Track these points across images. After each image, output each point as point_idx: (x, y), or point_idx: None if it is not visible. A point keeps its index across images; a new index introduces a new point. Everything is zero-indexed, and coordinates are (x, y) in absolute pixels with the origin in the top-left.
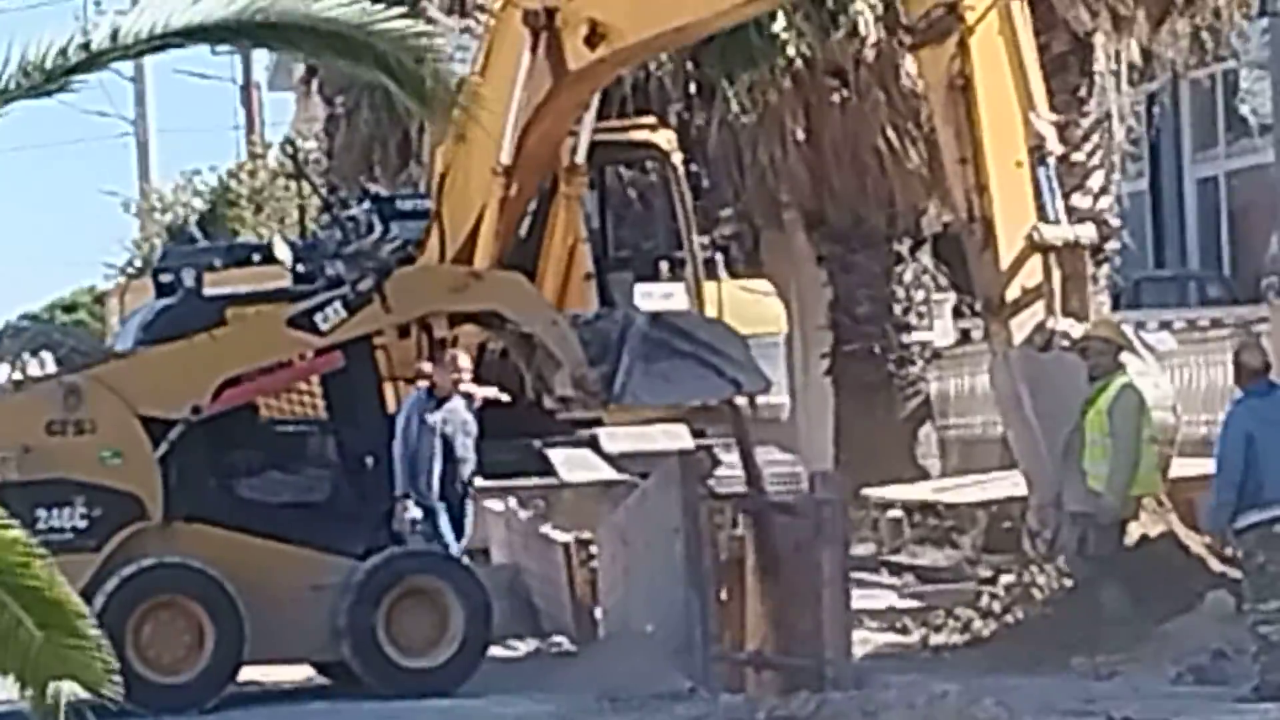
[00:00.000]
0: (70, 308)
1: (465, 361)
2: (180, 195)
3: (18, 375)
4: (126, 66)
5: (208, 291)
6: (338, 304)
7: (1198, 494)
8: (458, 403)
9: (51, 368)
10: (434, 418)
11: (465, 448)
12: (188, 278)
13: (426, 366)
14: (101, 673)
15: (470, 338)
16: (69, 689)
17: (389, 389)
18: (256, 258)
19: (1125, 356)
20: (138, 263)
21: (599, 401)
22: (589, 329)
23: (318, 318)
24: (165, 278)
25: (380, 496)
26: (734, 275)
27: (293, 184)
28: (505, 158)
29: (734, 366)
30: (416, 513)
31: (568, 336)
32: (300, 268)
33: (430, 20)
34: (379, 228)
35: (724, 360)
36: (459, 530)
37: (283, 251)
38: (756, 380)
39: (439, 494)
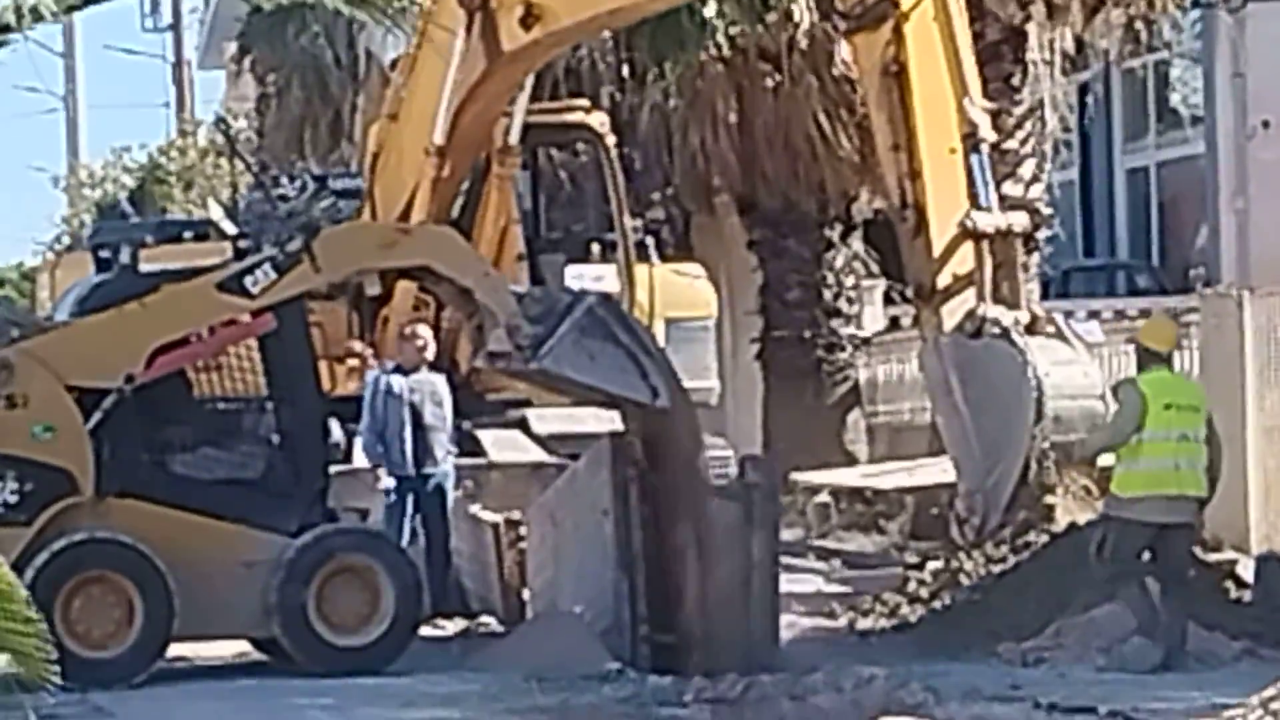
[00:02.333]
0: None
1: (426, 333)
2: (110, 172)
3: None
4: (57, 42)
5: (143, 267)
6: (267, 266)
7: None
8: (425, 374)
9: None
10: (400, 387)
11: (435, 416)
12: (125, 254)
13: (356, 345)
14: (34, 648)
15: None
16: (1, 663)
17: (324, 369)
18: (188, 235)
19: (1053, 344)
20: (66, 239)
21: (523, 359)
22: (543, 293)
23: (247, 281)
24: (104, 253)
25: (314, 474)
26: (665, 258)
27: (223, 162)
28: (438, 138)
29: (659, 376)
30: (389, 483)
31: (500, 289)
32: (243, 243)
33: None
34: (311, 188)
35: (652, 366)
36: (440, 497)
37: (226, 224)
38: (670, 399)
39: (413, 465)
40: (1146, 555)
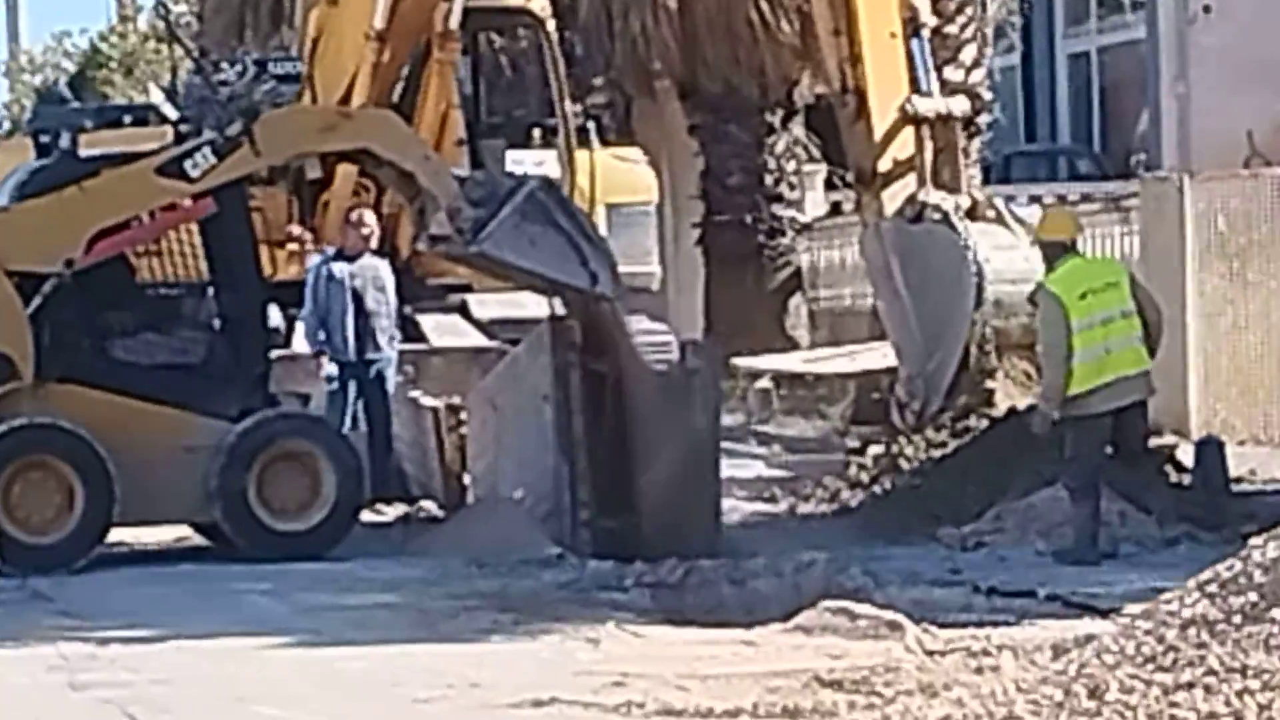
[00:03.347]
0: None
1: (371, 219)
2: (50, 57)
3: None
4: None
5: (83, 153)
6: (207, 150)
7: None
8: (368, 259)
9: None
10: (342, 272)
11: (377, 301)
12: (64, 139)
13: (296, 229)
14: None
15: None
16: None
17: (264, 254)
18: (128, 120)
19: (994, 229)
20: (6, 125)
21: (463, 242)
22: (485, 176)
23: (187, 164)
24: (44, 139)
25: (255, 359)
26: (606, 143)
27: (163, 47)
28: (379, 22)
29: (599, 263)
30: (332, 369)
31: (441, 171)
32: (184, 127)
33: None
34: (251, 72)
35: (593, 252)
36: (381, 383)
37: (167, 108)
38: (612, 288)
39: (354, 350)
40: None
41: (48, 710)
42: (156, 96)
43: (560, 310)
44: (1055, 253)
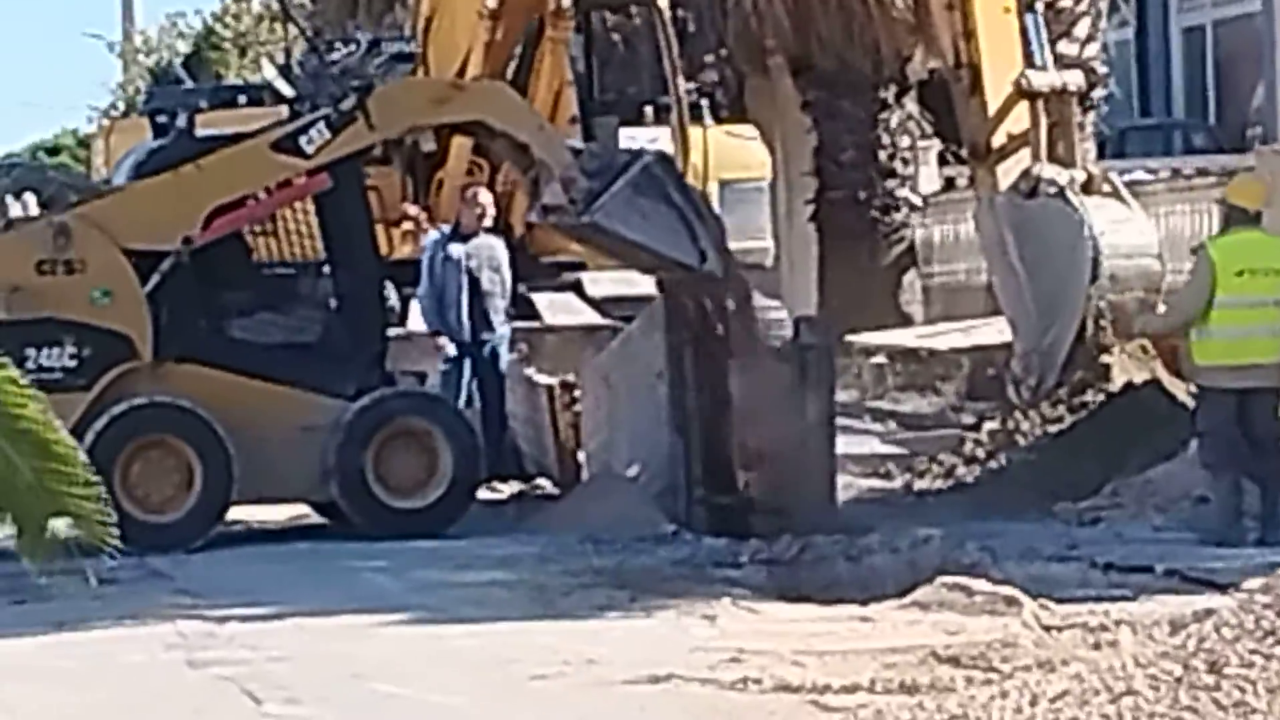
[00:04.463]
0: (53, 150)
1: (487, 197)
2: (164, 38)
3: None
4: None
5: (199, 133)
6: (321, 125)
7: (1181, 341)
8: (483, 238)
9: (34, 210)
10: (457, 252)
11: (492, 280)
12: (181, 119)
13: (411, 208)
14: (94, 512)
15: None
16: (61, 527)
17: (380, 233)
18: (243, 100)
19: (1109, 203)
20: (121, 105)
21: (576, 213)
22: (600, 148)
23: (302, 140)
24: (160, 119)
25: (372, 338)
26: (719, 120)
27: (277, 27)
28: (491, 1)
29: (708, 241)
30: (450, 349)
31: (555, 141)
32: (299, 105)
33: None
34: (365, 50)
35: (704, 230)
36: (495, 362)
37: (282, 85)
38: (719, 265)
39: (469, 330)
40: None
41: (166, 688)
42: (270, 72)
43: (674, 287)
44: (1236, 217)
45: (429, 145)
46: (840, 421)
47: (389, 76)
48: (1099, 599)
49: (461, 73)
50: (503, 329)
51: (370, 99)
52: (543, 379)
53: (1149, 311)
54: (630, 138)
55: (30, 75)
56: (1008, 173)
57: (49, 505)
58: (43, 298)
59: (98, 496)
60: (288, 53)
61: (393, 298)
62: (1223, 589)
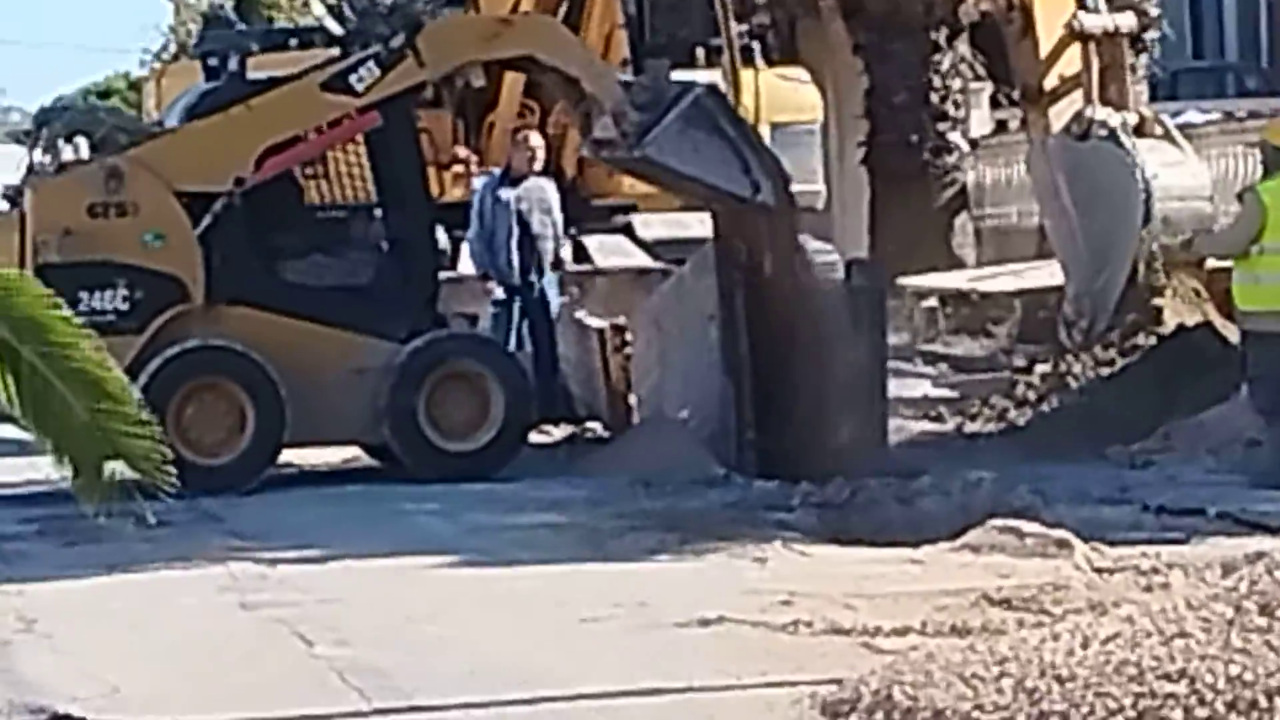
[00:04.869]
0: (105, 94)
1: (538, 140)
2: None
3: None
4: None
5: (251, 75)
6: (371, 63)
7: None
8: (534, 181)
9: (86, 153)
10: (508, 195)
11: (543, 224)
12: (233, 61)
13: (461, 151)
14: (149, 454)
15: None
16: (117, 469)
17: (431, 176)
18: (294, 42)
19: (1161, 145)
20: (172, 48)
21: (627, 146)
22: (650, 80)
23: (352, 79)
24: (212, 62)
25: (424, 280)
26: (770, 63)
27: None
28: None
29: (762, 172)
30: (499, 292)
31: (606, 76)
32: (350, 47)
33: None
34: None
35: (757, 161)
36: (545, 305)
37: (330, 23)
38: (774, 196)
39: (519, 272)
40: None
41: (218, 629)
42: (318, 10)
43: (726, 229)
44: (1274, 159)
45: (479, 82)
46: (892, 364)
47: (438, 15)
48: (1150, 542)
49: (513, 13)
50: (552, 272)
51: (420, 36)
52: (594, 322)
53: (1200, 240)
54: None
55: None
56: (1060, 115)
57: (104, 446)
58: (95, 241)
59: (153, 438)
60: None
61: (443, 240)
62: (1274, 532)
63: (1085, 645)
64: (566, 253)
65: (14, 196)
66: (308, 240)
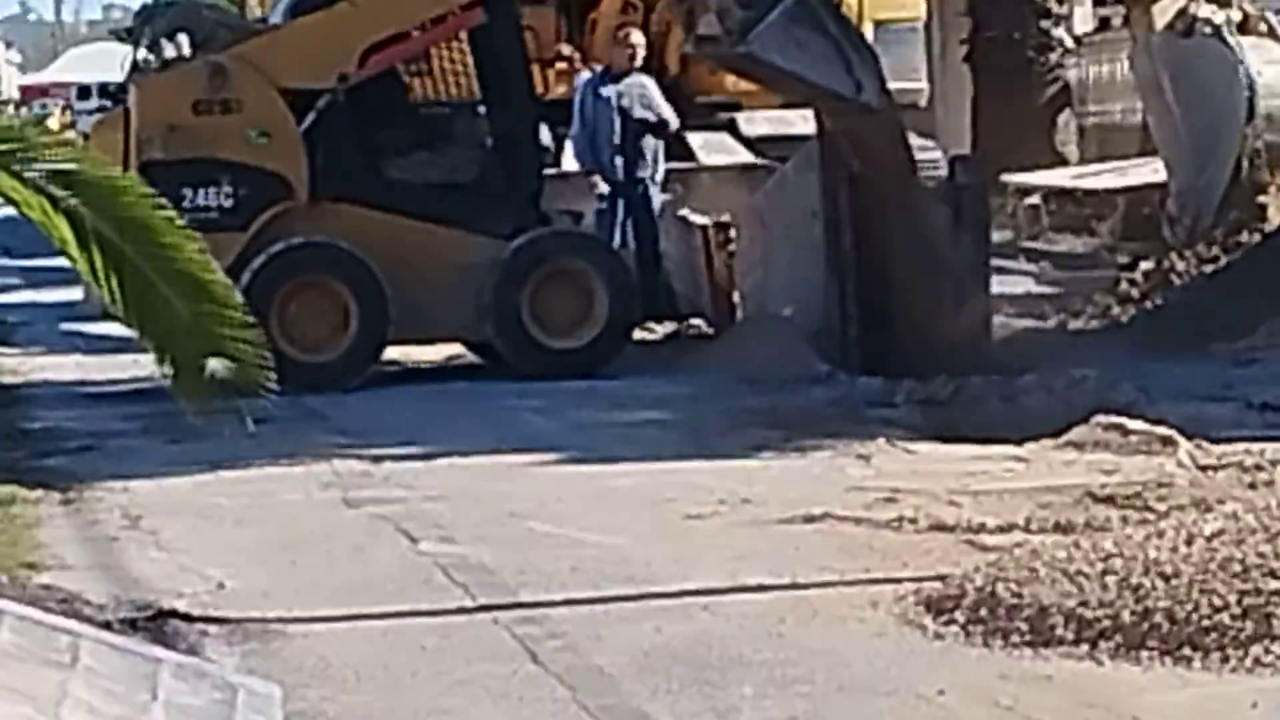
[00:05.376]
0: None
1: (638, 38)
2: None
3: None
4: None
5: None
6: None
7: None
8: (635, 77)
9: (188, 50)
10: (609, 92)
11: (645, 120)
12: None
13: (565, 48)
14: (250, 353)
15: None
16: (218, 367)
17: (535, 73)
18: None
19: (1265, 43)
20: None
21: (731, 43)
22: None
23: None
24: None
25: (528, 177)
26: None
27: None
28: None
29: (864, 72)
30: (603, 187)
31: None
32: None
33: None
34: None
35: (859, 60)
36: (648, 202)
37: None
38: (876, 96)
39: (624, 169)
40: None
41: (323, 526)
42: None
43: (830, 126)
44: None
45: None
46: (995, 261)
47: None
48: (1254, 439)
49: None
50: (655, 168)
51: None
52: (697, 219)
53: None
54: None
55: None
56: (1163, 12)
57: (205, 345)
58: (199, 138)
59: (255, 337)
60: None
61: (547, 138)
62: None
63: (1189, 542)
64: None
65: (118, 94)
66: (412, 137)
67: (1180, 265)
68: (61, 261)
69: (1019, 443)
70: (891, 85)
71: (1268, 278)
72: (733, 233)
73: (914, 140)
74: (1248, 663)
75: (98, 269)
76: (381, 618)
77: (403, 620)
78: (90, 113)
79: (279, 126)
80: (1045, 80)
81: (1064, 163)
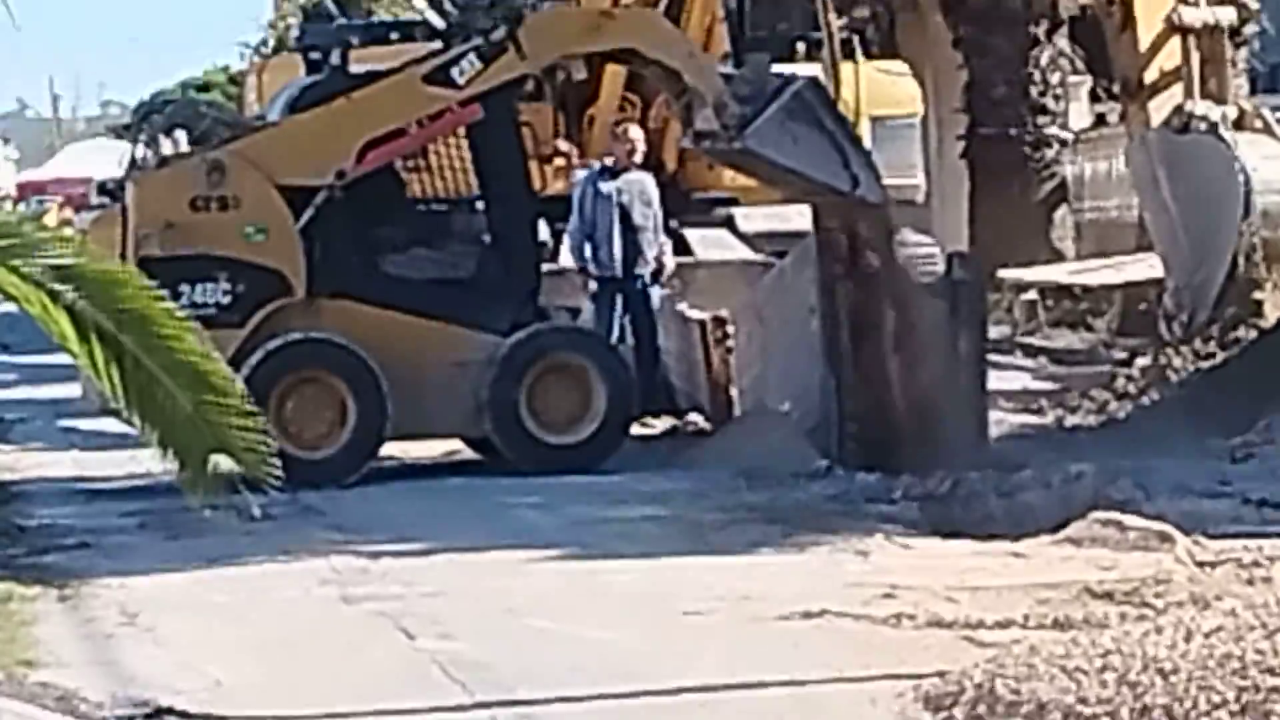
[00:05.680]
0: (204, 87)
1: (637, 133)
2: None
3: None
4: None
5: (353, 69)
6: (472, 55)
7: None
8: (634, 174)
9: (186, 146)
10: (609, 188)
11: (645, 216)
12: (335, 56)
13: (562, 144)
14: (254, 446)
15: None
16: (223, 462)
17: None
18: (395, 36)
19: (1261, 139)
20: (272, 42)
21: (728, 138)
22: (752, 74)
23: (453, 71)
24: (314, 56)
25: (526, 273)
26: (870, 57)
27: None
28: None
29: (861, 167)
30: (594, 285)
31: (707, 68)
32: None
33: None
34: None
35: (856, 156)
36: (646, 298)
37: (431, 15)
38: (874, 191)
39: (622, 265)
40: None
41: (320, 623)
42: (420, 3)
43: (827, 222)
44: None
45: (580, 74)
46: (992, 357)
47: (539, 7)
48: (1252, 535)
49: (614, 3)
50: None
51: (521, 29)
52: (695, 314)
53: None
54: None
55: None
56: (1159, 108)
57: (209, 439)
58: (197, 234)
59: (258, 430)
60: None
61: (545, 233)
62: None
63: (1188, 639)
64: (669, 257)
65: (116, 191)
66: (409, 233)
67: (1177, 361)
68: (59, 358)
69: (1017, 538)
70: (888, 181)
71: (1264, 374)
72: (730, 328)
73: (911, 236)
74: None
75: (98, 362)
76: (379, 714)
77: (400, 718)
78: (91, 208)
79: (276, 223)
80: (1042, 176)
81: (1061, 258)
